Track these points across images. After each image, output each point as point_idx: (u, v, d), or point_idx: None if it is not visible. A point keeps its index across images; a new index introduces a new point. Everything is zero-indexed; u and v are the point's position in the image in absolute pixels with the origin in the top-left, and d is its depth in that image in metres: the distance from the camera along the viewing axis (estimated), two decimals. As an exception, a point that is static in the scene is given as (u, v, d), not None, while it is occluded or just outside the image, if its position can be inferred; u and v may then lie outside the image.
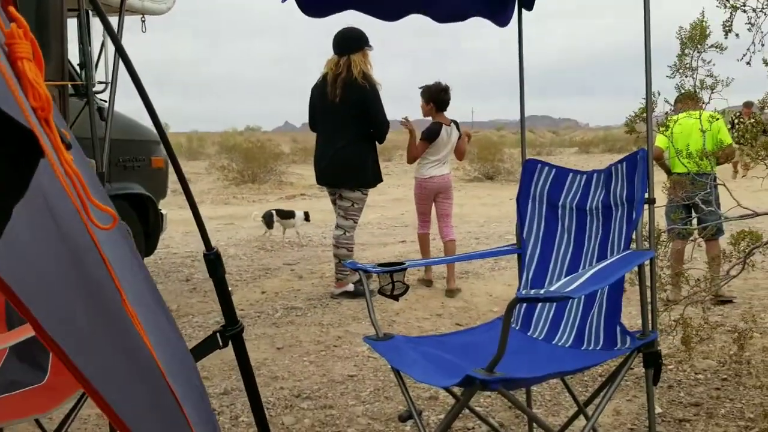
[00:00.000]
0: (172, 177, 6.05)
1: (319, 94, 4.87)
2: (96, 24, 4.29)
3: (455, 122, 5.26)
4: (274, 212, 7.44)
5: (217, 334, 1.27)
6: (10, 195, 0.57)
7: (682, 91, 2.97)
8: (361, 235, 8.49)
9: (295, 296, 5.07)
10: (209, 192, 14.91)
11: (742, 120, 2.91)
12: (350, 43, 4.60)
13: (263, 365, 3.54)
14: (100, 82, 4.40)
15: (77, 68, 4.45)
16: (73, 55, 4.28)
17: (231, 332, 1.27)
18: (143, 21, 5.26)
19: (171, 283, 5.61)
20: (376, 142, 5.00)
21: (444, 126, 5.16)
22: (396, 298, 2.48)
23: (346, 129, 4.70)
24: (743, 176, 13.32)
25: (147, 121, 5.17)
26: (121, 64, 1.19)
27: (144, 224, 4.91)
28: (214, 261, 1.23)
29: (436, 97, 5.10)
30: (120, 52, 1.22)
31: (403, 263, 2.46)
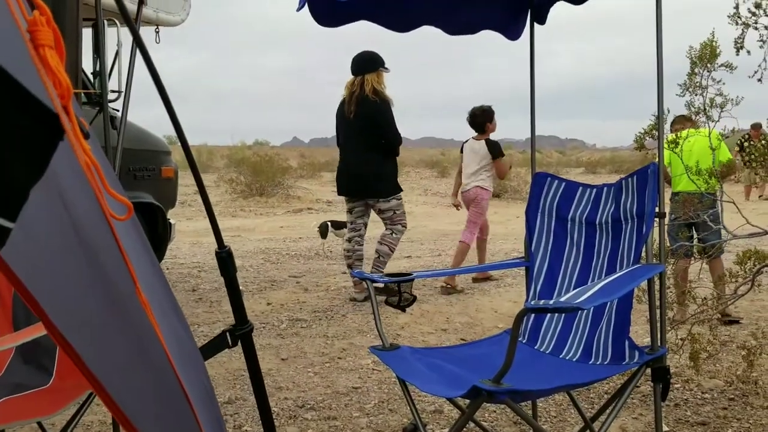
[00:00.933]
0: (181, 189, 6.09)
1: (340, 113, 5.19)
2: (110, 34, 4.34)
3: (487, 141, 5.82)
4: (329, 223, 7.72)
5: (227, 333, 1.27)
6: (29, 174, 0.57)
7: (692, 109, 2.97)
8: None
9: (300, 308, 5.06)
10: (217, 204, 14.95)
11: (752, 142, 2.90)
12: (365, 64, 4.93)
13: (268, 375, 3.52)
14: (113, 91, 4.44)
15: (90, 77, 4.49)
16: (86, 65, 4.33)
17: (241, 331, 1.27)
18: (157, 32, 5.32)
19: (177, 293, 5.61)
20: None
21: (467, 143, 5.93)
22: (403, 308, 2.48)
23: (363, 143, 4.99)
24: (760, 195, 13.21)
25: (158, 131, 5.21)
26: (146, 74, 1.20)
27: (153, 233, 4.92)
28: (225, 259, 1.23)
29: (469, 120, 5.90)
30: (148, 63, 1.23)
31: (410, 274, 2.46)
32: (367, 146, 4.98)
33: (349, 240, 5.42)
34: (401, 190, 5.29)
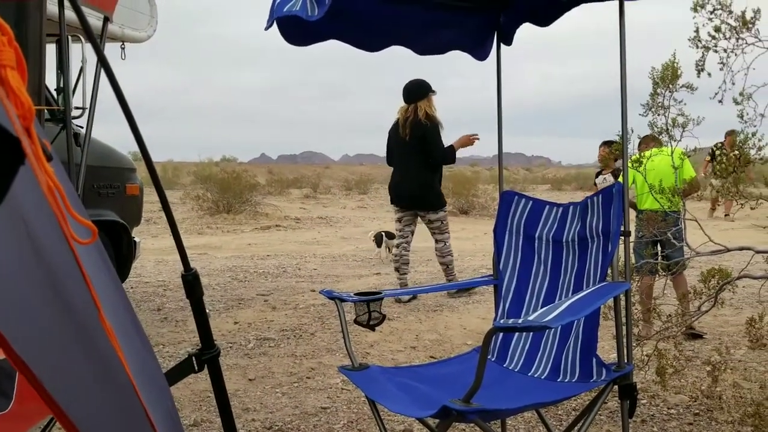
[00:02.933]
0: (146, 206, 6.01)
1: (394, 134, 5.93)
2: (74, 50, 4.28)
3: (613, 172, 5.91)
4: (383, 233, 8.96)
5: (193, 358, 1.25)
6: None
7: (656, 128, 3.03)
8: (336, 266, 8.46)
9: (268, 327, 5.00)
10: (183, 221, 14.76)
11: (724, 151, 2.95)
12: (416, 93, 5.63)
13: (235, 396, 3.47)
14: (77, 108, 4.36)
15: (54, 93, 4.41)
16: (50, 81, 4.26)
17: (207, 356, 1.24)
18: (123, 48, 5.26)
19: (142, 313, 5.51)
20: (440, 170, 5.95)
21: (600, 175, 6.15)
22: (372, 327, 2.46)
23: (415, 161, 5.71)
24: (726, 215, 12.83)
25: (123, 148, 5.14)
26: (110, 91, 1.17)
27: (117, 251, 4.83)
28: (192, 282, 1.21)
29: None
30: (111, 79, 1.21)
31: (379, 292, 2.45)
32: (419, 164, 5.70)
33: (398, 246, 6.17)
34: (446, 203, 6.02)
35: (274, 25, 2.20)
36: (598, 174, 6.19)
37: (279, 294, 6.34)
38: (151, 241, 9.39)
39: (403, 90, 5.73)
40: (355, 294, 2.43)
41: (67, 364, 0.71)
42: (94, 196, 4.60)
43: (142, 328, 1.02)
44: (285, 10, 2.07)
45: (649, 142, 4.52)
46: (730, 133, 10.59)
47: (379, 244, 8.82)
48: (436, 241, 6.13)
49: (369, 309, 2.44)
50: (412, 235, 6.22)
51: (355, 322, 2.46)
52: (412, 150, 5.69)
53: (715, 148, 10.73)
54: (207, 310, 4.31)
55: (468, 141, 5.93)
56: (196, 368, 1.24)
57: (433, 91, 5.70)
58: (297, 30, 2.29)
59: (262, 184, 21.74)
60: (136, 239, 5.08)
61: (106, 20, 3.57)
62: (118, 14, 4.87)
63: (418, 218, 6.13)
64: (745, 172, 2.75)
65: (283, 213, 16.76)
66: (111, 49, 5.11)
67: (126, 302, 0.99)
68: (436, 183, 5.93)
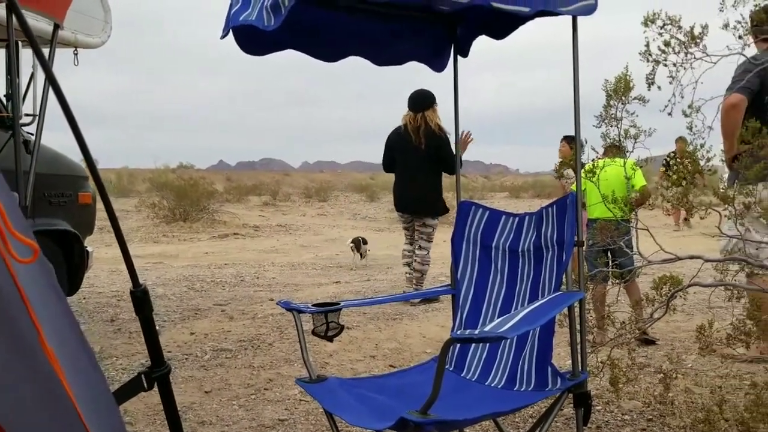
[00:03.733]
0: (100, 214, 5.87)
1: (400, 141, 6.04)
2: (25, 55, 4.17)
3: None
4: (361, 239, 9.35)
5: (142, 376, 1.22)
6: None
7: (608, 140, 3.09)
8: (295, 275, 8.40)
9: (225, 338, 4.93)
10: (138, 230, 14.49)
11: (678, 160, 3.01)
12: (423, 102, 5.83)
13: (190, 409, 3.41)
14: (27, 114, 4.25)
15: (2, 99, 4.29)
16: (-1, 86, 4.14)
17: (157, 374, 1.21)
18: (76, 54, 5.14)
19: (95, 324, 5.38)
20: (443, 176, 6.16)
21: None
22: (330, 339, 2.45)
23: (426, 169, 5.90)
24: (685, 219, 12.71)
25: (76, 156, 5.02)
26: (53, 97, 1.14)
27: (68, 262, 4.71)
28: (141, 298, 1.18)
29: None
30: (53, 84, 1.17)
31: (338, 303, 2.44)
32: (429, 172, 5.92)
33: (410, 243, 6.40)
34: (448, 210, 6.17)
35: (230, 34, 2.18)
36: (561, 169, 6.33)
37: (237, 304, 6.26)
38: (104, 250, 9.18)
39: (410, 99, 5.92)
40: (312, 305, 2.41)
41: (9, 386, 0.69)
42: (44, 204, 4.48)
43: (89, 346, 0.99)
44: (241, 19, 2.06)
45: (610, 151, 4.59)
46: (680, 140, 10.67)
47: (358, 249, 9.18)
48: (420, 248, 6.28)
49: (327, 320, 2.43)
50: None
51: (313, 333, 2.44)
52: (425, 158, 5.88)
53: (668, 158, 10.85)
54: (162, 321, 4.19)
55: (466, 143, 6.01)
56: (146, 386, 1.21)
57: (436, 103, 5.95)
58: (253, 39, 2.27)
59: (219, 191, 21.49)
60: (89, 249, 4.96)
61: (57, 27, 3.49)
62: (71, 20, 4.76)
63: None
64: (697, 181, 2.83)
65: (242, 221, 16.60)
66: (64, 55, 5.00)
67: (73, 321, 0.96)
68: (441, 191, 6.21)
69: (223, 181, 30.75)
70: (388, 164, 6.30)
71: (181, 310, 5.94)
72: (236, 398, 3.61)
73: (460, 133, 2.91)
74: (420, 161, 5.91)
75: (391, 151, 6.19)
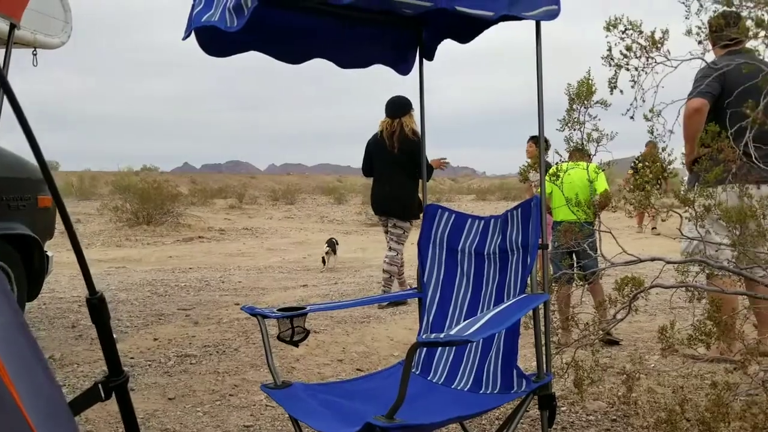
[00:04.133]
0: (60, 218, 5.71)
1: (377, 146, 6.21)
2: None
3: None
4: (334, 240, 9.50)
5: (99, 386, 1.18)
6: None
7: (572, 143, 3.12)
8: (262, 279, 8.32)
9: (189, 343, 4.86)
10: (100, 233, 14.23)
11: (647, 164, 3.04)
12: (400, 109, 6.00)
13: (153, 417, 3.34)
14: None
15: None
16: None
17: (114, 383, 1.18)
18: (35, 55, 5.02)
19: (56, 330, 5.25)
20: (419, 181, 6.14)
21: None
22: (296, 344, 2.42)
23: (400, 173, 6.05)
24: (653, 228, 12.66)
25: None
26: (25, 98, 1.10)
27: (28, 267, 4.59)
28: (97, 306, 1.15)
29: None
30: (3, 84, 1.13)
31: (303, 308, 2.42)
32: (405, 176, 6.07)
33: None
34: (419, 216, 6.29)
35: (192, 35, 2.14)
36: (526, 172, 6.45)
37: (201, 308, 6.18)
38: (66, 254, 8.97)
39: (387, 105, 6.13)
40: (278, 309, 2.38)
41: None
42: (3, 208, 4.37)
43: (43, 354, 0.96)
44: (203, 20, 2.02)
45: (574, 153, 4.68)
46: (650, 144, 10.68)
47: (334, 251, 9.29)
48: (390, 249, 6.39)
49: (292, 325, 2.41)
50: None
51: (278, 338, 2.41)
52: (399, 162, 6.05)
53: (637, 161, 10.86)
54: (125, 327, 4.09)
55: (438, 164, 6.33)
56: (103, 396, 1.18)
57: (413, 108, 6.08)
58: (216, 41, 2.24)
59: (184, 194, 21.23)
60: (49, 253, 4.84)
61: (13, 27, 3.40)
62: (30, 19, 4.64)
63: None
64: (663, 184, 2.87)
65: (207, 224, 16.42)
66: (22, 55, 4.87)
67: (27, 332, 0.93)
68: (417, 195, 6.24)
69: (188, 183, 30.41)
70: (368, 169, 6.46)
71: (145, 315, 5.83)
72: (200, 405, 3.55)
73: (424, 140, 2.92)
74: (393, 165, 6.10)
75: (370, 156, 6.37)
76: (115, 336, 1.18)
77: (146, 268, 9.40)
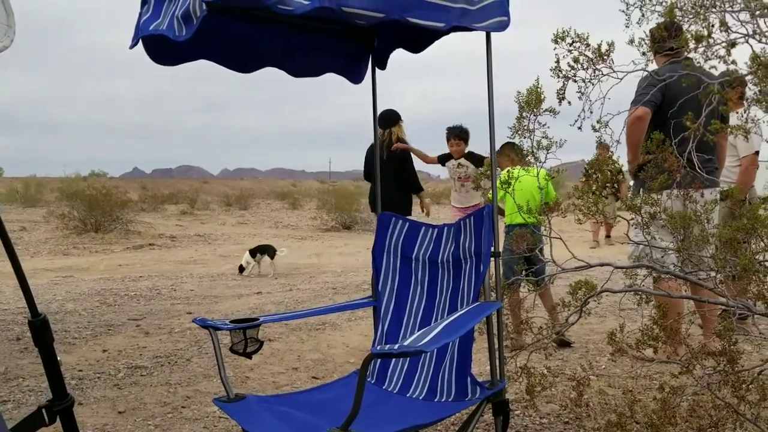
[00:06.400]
0: (7, 225, 5.52)
1: (372, 153, 6.57)
2: None
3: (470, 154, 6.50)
4: (265, 246, 9.57)
5: (43, 410, 1.14)
6: None
7: (524, 151, 3.17)
8: (215, 286, 8.20)
9: (140, 354, 4.75)
10: (47, 242, 13.82)
11: (597, 169, 3.08)
12: (390, 121, 6.63)
13: (102, 432, 3.26)
14: None
15: None
16: None
17: (59, 407, 1.14)
18: (-26, 58, 4.85)
19: (0, 343, 5.08)
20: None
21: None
22: (249, 355, 2.40)
23: (391, 178, 6.51)
24: (607, 236, 12.17)
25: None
26: None
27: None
28: (40, 328, 1.11)
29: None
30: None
31: (257, 319, 2.39)
32: (395, 180, 6.57)
33: None
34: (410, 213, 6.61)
35: (140, 43, 2.10)
36: (445, 159, 6.66)
37: (152, 318, 6.05)
38: (8, 264, 8.68)
39: (379, 117, 6.73)
40: (230, 321, 2.35)
41: None
42: (-61, 219, 4.20)
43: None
44: (151, 28, 1.99)
45: (507, 151, 4.81)
46: (600, 146, 10.52)
47: (272, 256, 9.36)
48: None
49: (245, 336, 2.38)
50: None
51: (231, 350, 2.38)
52: (389, 168, 6.61)
53: (588, 167, 10.75)
54: (72, 339, 3.97)
55: (404, 148, 6.65)
56: (47, 421, 1.14)
57: (402, 120, 6.76)
58: (164, 49, 2.20)
59: (134, 200, 20.78)
60: (-9, 265, 4.69)
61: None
62: (-32, 22, 4.49)
63: None
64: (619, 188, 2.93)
65: (158, 231, 16.11)
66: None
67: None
68: (408, 195, 6.84)
69: (138, 189, 29.80)
70: (366, 175, 6.95)
71: (93, 326, 5.68)
72: (152, 417, 3.48)
73: (377, 147, 2.95)
74: (385, 170, 6.63)
75: (367, 163, 6.91)
76: (59, 353, 1.13)
77: (95, 276, 9.17)
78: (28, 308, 1.13)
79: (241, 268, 9.33)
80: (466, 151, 6.51)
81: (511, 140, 3.08)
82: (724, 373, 2.42)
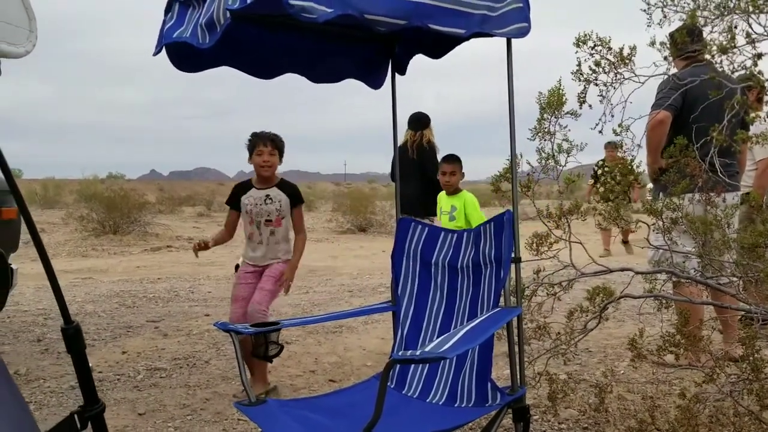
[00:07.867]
0: (25, 227, 5.59)
1: (401, 154, 6.71)
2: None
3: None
4: None
5: (75, 416, 1.16)
6: None
7: (543, 154, 3.16)
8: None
9: (159, 356, 4.79)
10: (66, 244, 13.96)
11: (606, 170, 3.07)
12: (420, 123, 6.85)
13: (123, 434, 3.29)
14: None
15: None
16: None
17: (91, 413, 1.16)
18: (-3, 64, 4.92)
19: (21, 344, 5.14)
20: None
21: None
22: (270, 359, 2.41)
23: (419, 177, 6.70)
24: (623, 241, 10.78)
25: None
26: None
27: (-9, 281, 4.49)
28: (73, 336, 1.13)
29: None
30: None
31: (277, 323, 2.41)
32: (421, 179, 6.70)
33: None
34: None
35: (164, 50, 2.13)
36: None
37: (171, 320, 6.10)
38: (30, 265, 8.79)
39: (410, 120, 6.99)
40: (251, 325, 2.37)
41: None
42: (-36, 222, 4.26)
43: (17, 386, 0.94)
44: (174, 36, 2.01)
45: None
46: (609, 145, 9.51)
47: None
48: None
49: (267, 340, 2.39)
50: None
51: (253, 354, 2.40)
52: (417, 168, 6.79)
53: (596, 168, 10.31)
54: (92, 340, 4.00)
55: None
56: (79, 426, 1.15)
57: (431, 121, 6.94)
58: (187, 56, 2.22)
59: (151, 202, 20.92)
60: (13, 266, 4.74)
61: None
62: (-7, 28, 4.55)
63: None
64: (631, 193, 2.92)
65: (175, 233, 16.21)
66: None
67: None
68: (433, 194, 6.90)
69: (155, 191, 30.01)
70: (393, 175, 7.16)
71: (112, 327, 5.74)
72: (171, 420, 3.50)
73: (396, 150, 2.95)
74: (413, 170, 6.86)
75: (394, 163, 7.15)
76: (88, 348, 1.15)
77: (113, 278, 9.25)
78: (62, 315, 1.14)
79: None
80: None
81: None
82: (747, 381, 2.40)
